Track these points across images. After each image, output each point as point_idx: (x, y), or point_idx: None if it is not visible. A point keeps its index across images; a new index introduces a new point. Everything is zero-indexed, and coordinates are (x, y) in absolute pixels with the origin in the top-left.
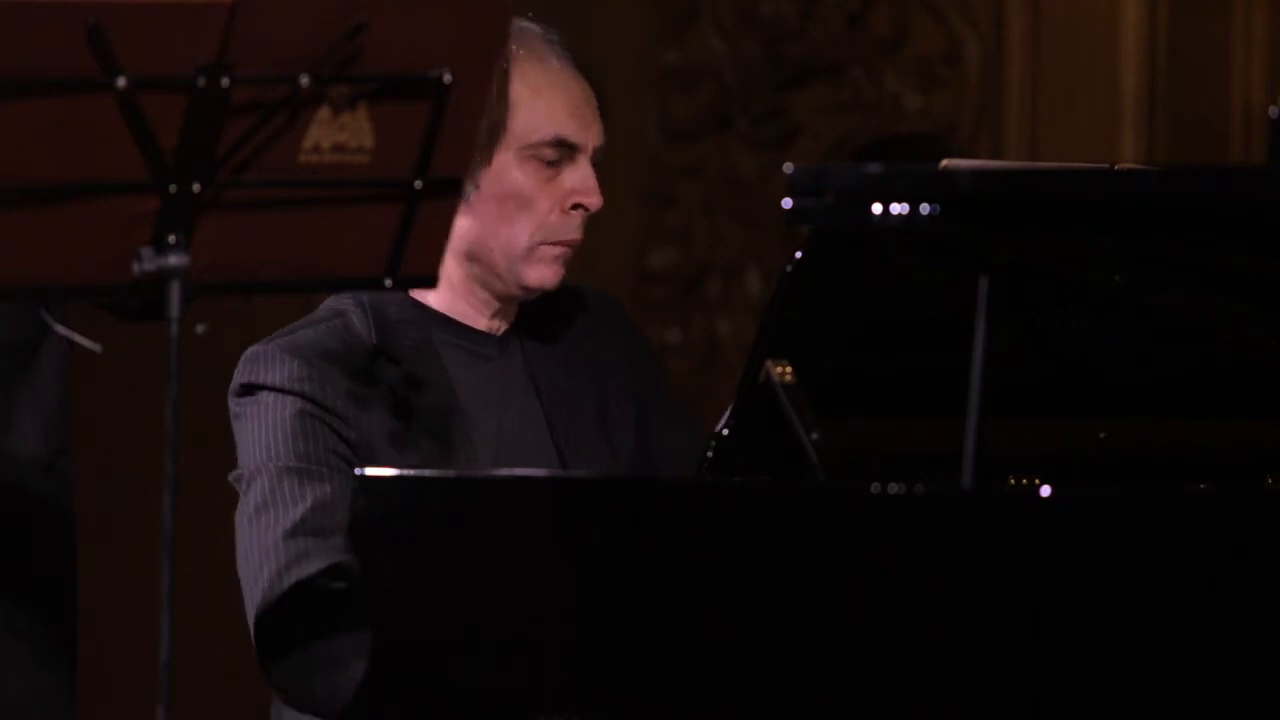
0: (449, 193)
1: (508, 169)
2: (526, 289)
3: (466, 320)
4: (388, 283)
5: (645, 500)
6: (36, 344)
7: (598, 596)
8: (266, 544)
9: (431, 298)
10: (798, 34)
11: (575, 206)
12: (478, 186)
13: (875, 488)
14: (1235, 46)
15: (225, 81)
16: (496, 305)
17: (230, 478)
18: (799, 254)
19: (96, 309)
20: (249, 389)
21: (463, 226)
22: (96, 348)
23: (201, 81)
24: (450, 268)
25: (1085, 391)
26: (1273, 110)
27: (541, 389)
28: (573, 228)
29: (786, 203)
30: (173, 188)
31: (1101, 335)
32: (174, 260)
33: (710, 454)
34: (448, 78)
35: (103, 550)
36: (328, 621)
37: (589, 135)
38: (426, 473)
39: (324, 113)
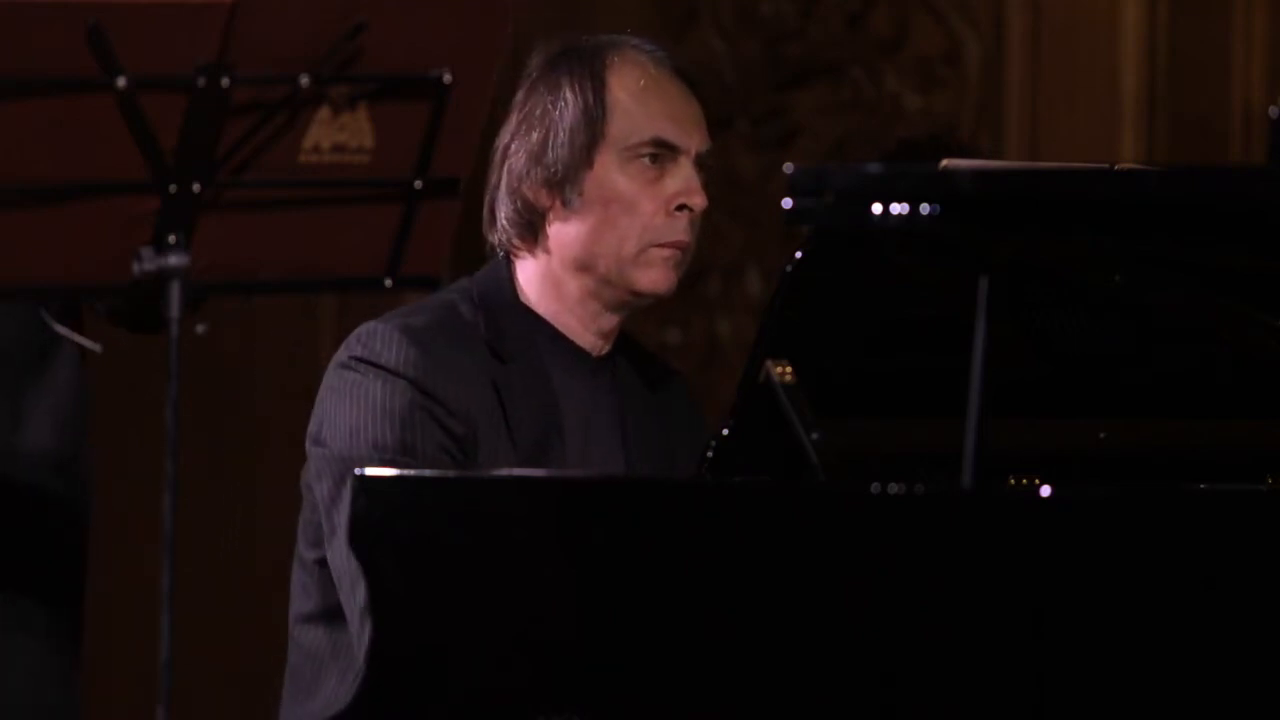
0: (449, 193)
1: (610, 173)
2: (638, 293)
3: (570, 334)
4: (388, 283)
5: (645, 500)
6: (50, 343)
7: (598, 596)
8: None
9: (541, 305)
10: (798, 34)
11: (680, 208)
12: (581, 193)
13: (875, 488)
14: (1235, 46)
15: (225, 81)
16: (607, 321)
17: (311, 445)
18: (799, 254)
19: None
20: (359, 363)
21: (570, 234)
22: (96, 348)
23: (201, 81)
24: (563, 279)
25: (1085, 391)
26: (1273, 110)
27: (627, 420)
28: (680, 229)
29: (786, 203)
30: (173, 188)
31: (1101, 335)
32: (174, 260)
33: (710, 454)
34: (448, 78)
35: (103, 550)
36: None
37: (690, 138)
38: (426, 473)
39: (324, 113)
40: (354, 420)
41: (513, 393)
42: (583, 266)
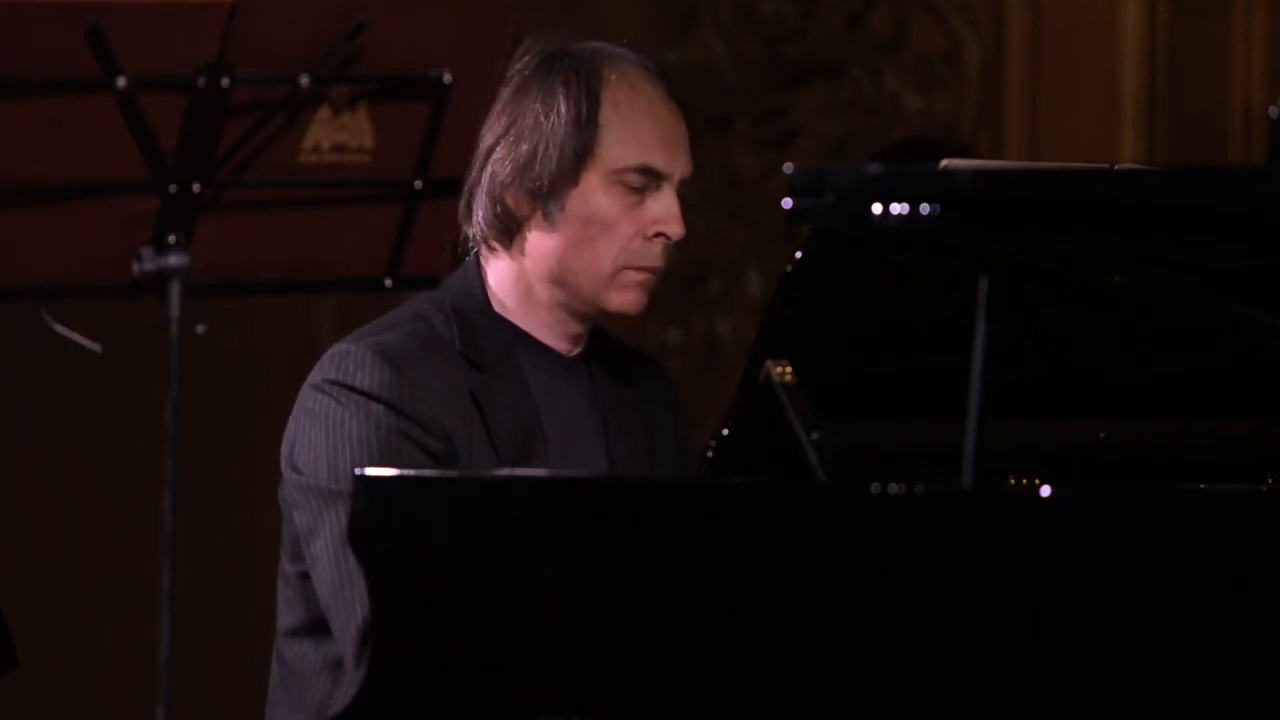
0: (449, 193)
1: (593, 192)
2: (608, 313)
3: (541, 337)
4: (388, 283)
5: (645, 500)
6: None
7: (598, 596)
8: (362, 591)
9: (511, 309)
10: (798, 34)
11: (658, 235)
12: (563, 208)
13: (875, 488)
14: (1235, 46)
15: (225, 81)
16: (575, 328)
17: (287, 471)
18: (799, 254)
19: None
20: (334, 387)
21: (547, 247)
22: (96, 348)
23: (201, 81)
24: (535, 286)
25: (1085, 391)
26: (1273, 110)
27: (606, 415)
28: (654, 255)
29: (786, 203)
30: (173, 188)
31: (1101, 335)
32: (174, 260)
33: (710, 454)
34: (448, 78)
35: (103, 550)
36: None
37: (676, 165)
38: (426, 473)
39: (324, 113)
40: (330, 450)
41: (492, 401)
42: (556, 279)
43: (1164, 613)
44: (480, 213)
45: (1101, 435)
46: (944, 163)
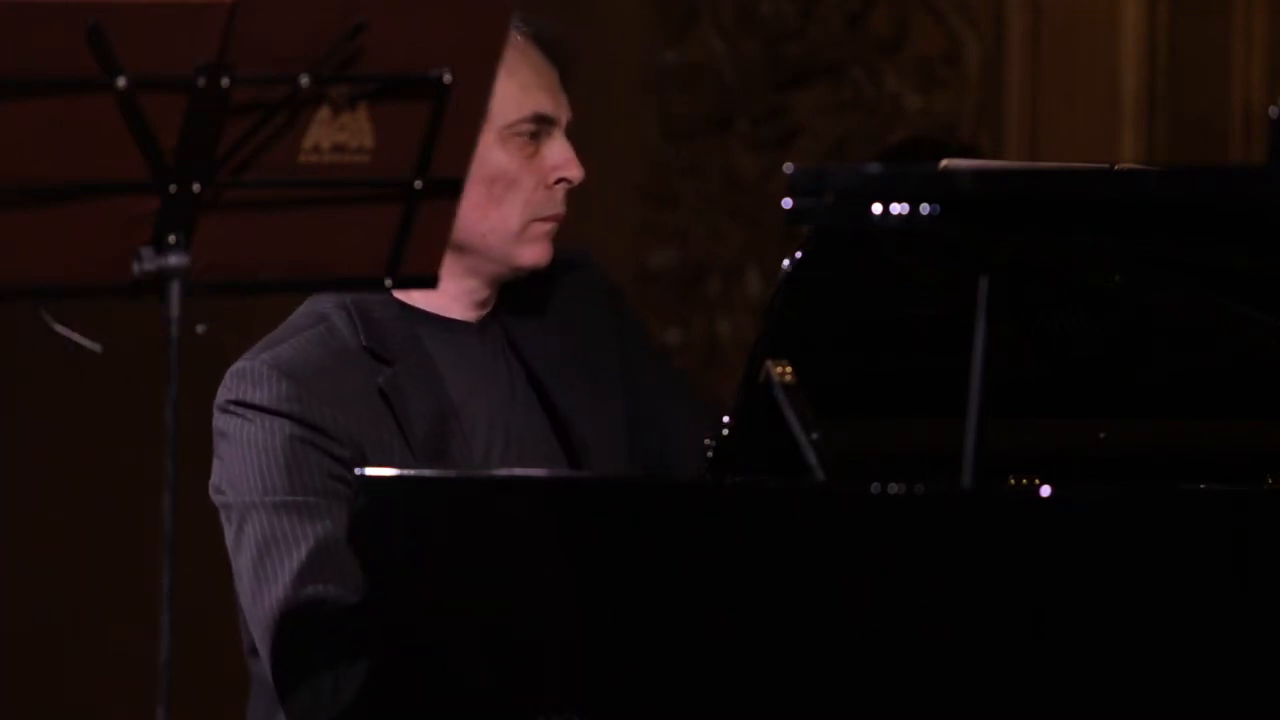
0: (449, 193)
1: (490, 151)
2: (519, 268)
3: (446, 313)
4: (388, 283)
5: (645, 500)
6: None
7: (598, 596)
8: (277, 593)
9: (413, 296)
10: (798, 34)
11: (559, 180)
12: None
13: (875, 488)
14: (1235, 46)
15: (225, 81)
16: (483, 293)
17: (214, 494)
18: (799, 254)
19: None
20: (236, 406)
21: None
22: (96, 347)
23: (201, 81)
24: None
25: (1085, 391)
26: (1273, 110)
27: (529, 364)
28: (557, 202)
29: (786, 203)
30: (173, 188)
31: (1101, 335)
32: (174, 260)
33: (710, 454)
34: (448, 78)
35: (103, 550)
36: (345, 672)
37: (561, 108)
38: (426, 472)
39: (324, 113)
40: (241, 466)
41: (402, 394)
42: (462, 247)
43: (1164, 613)
44: None
45: (1101, 435)
46: (944, 163)
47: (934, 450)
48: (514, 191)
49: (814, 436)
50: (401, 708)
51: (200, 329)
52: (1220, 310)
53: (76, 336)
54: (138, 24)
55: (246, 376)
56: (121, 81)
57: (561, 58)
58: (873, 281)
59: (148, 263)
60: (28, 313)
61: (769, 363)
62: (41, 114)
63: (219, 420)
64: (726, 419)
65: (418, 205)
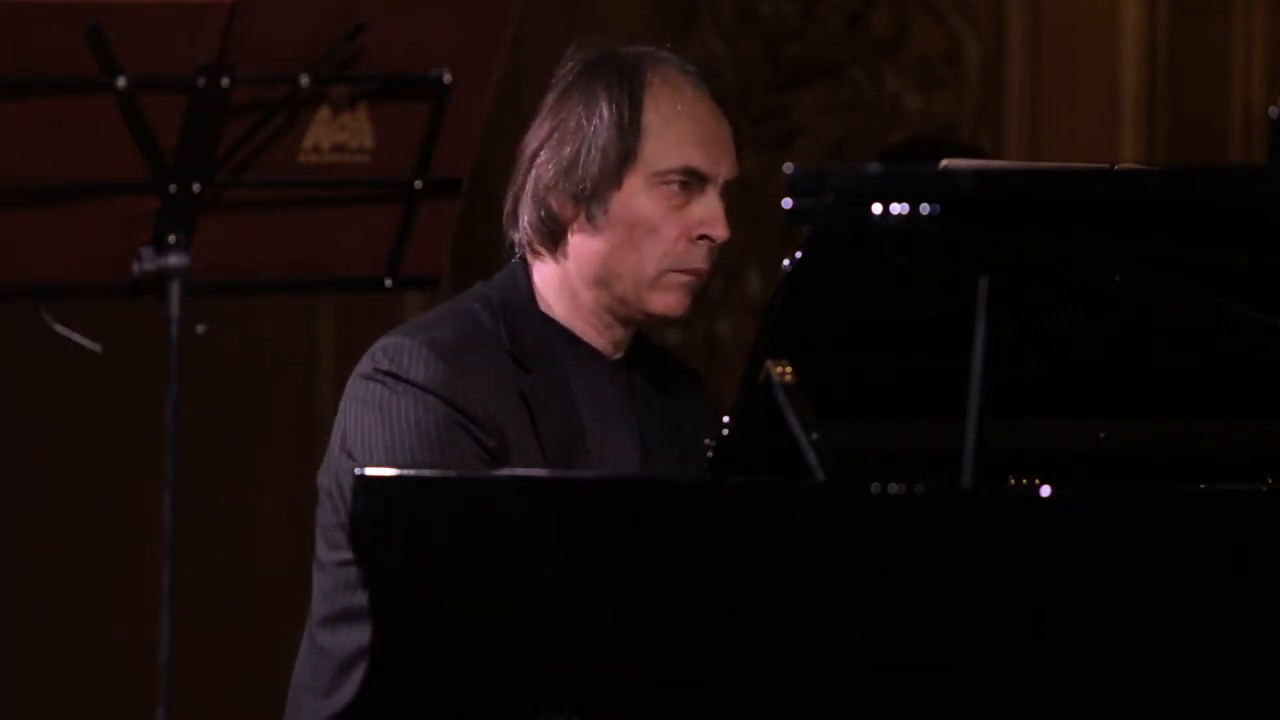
0: (449, 193)
1: (637, 195)
2: (650, 315)
3: (586, 338)
4: (388, 283)
5: (645, 500)
6: None
7: (598, 596)
8: None
9: (558, 310)
10: (798, 34)
11: (702, 237)
12: (606, 211)
13: (875, 488)
14: (1235, 46)
15: (225, 81)
16: (620, 331)
17: (340, 455)
18: (799, 254)
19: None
20: (388, 378)
21: (591, 249)
22: (96, 347)
23: (201, 81)
24: (579, 289)
25: (1085, 391)
26: (1273, 110)
27: (643, 420)
28: (699, 257)
29: (786, 203)
30: (173, 188)
31: (1101, 335)
32: (174, 260)
33: (710, 454)
34: (448, 78)
35: (103, 550)
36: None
37: (720, 167)
38: (426, 472)
39: (324, 113)
40: (387, 439)
41: (539, 401)
42: (600, 282)
43: (1164, 613)
44: (525, 217)
45: (1101, 435)
46: (944, 163)
47: (934, 450)
48: (653, 239)
49: (814, 436)
50: (402, 707)
51: (200, 329)
52: (1220, 310)
53: (76, 336)
54: (138, 24)
55: (404, 351)
56: (121, 81)
57: (731, 117)
58: (873, 281)
59: (148, 263)
60: (28, 313)
61: (769, 363)
62: (41, 114)
63: (362, 387)
64: (726, 419)
65: (418, 205)
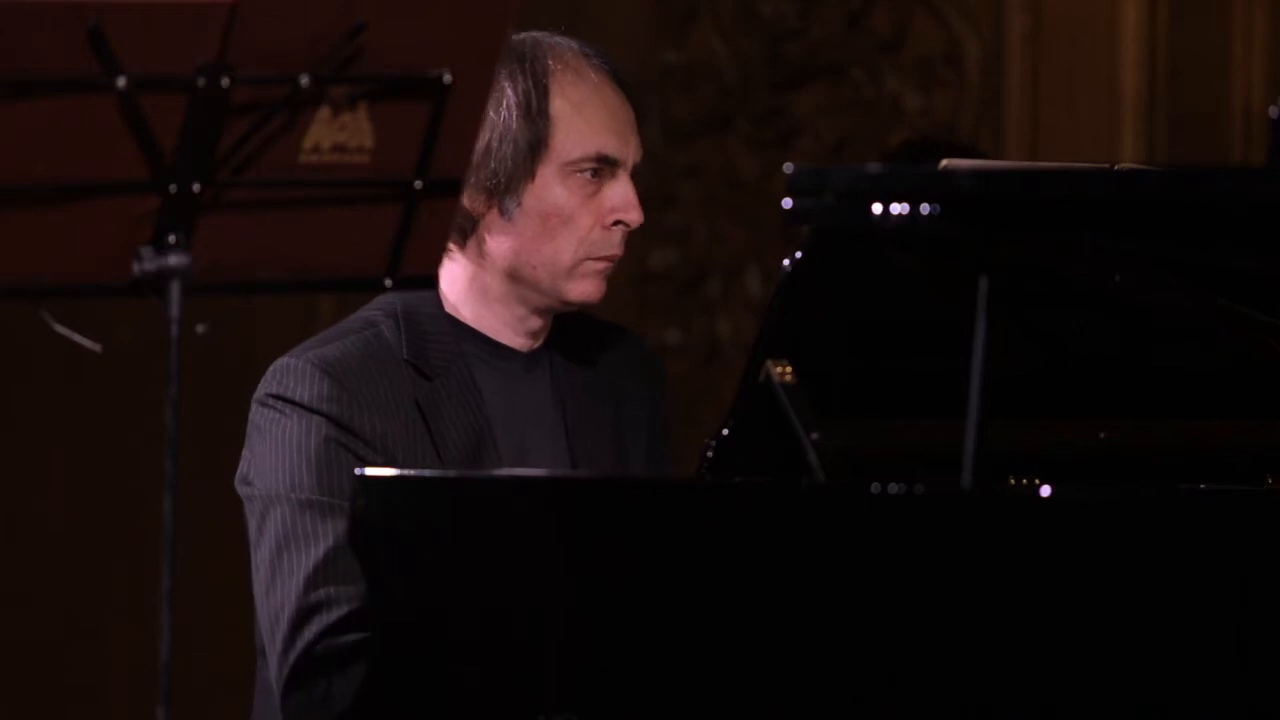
0: (449, 193)
1: (550, 186)
2: (568, 303)
3: (499, 337)
4: (388, 283)
5: (645, 500)
6: None
7: (597, 596)
8: (289, 590)
9: (465, 311)
10: (798, 34)
11: (616, 223)
12: (520, 203)
13: (875, 488)
14: (1235, 46)
15: (225, 81)
16: (534, 322)
17: (239, 485)
18: (799, 254)
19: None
20: (276, 400)
21: (504, 244)
22: (96, 347)
23: (201, 81)
24: (490, 284)
25: (1085, 391)
26: (1273, 110)
27: (566, 411)
28: (614, 243)
29: (786, 203)
30: (173, 188)
31: (1102, 335)
32: (174, 260)
33: (710, 454)
34: (448, 78)
35: (103, 550)
36: (337, 677)
37: (629, 150)
38: (426, 473)
39: (324, 113)
40: (273, 458)
41: (438, 410)
42: (513, 274)
43: (1164, 613)
44: None
45: (1101, 435)
46: (944, 163)
47: (934, 450)
48: (569, 228)
49: (814, 436)
50: (402, 707)
51: (200, 329)
52: (1220, 310)
53: (76, 336)
54: (138, 24)
55: (290, 372)
56: (121, 81)
57: (633, 98)
58: (872, 281)
59: (148, 263)
60: (28, 313)
61: (769, 363)
62: (41, 114)
63: (255, 413)
64: (726, 419)
65: (418, 205)
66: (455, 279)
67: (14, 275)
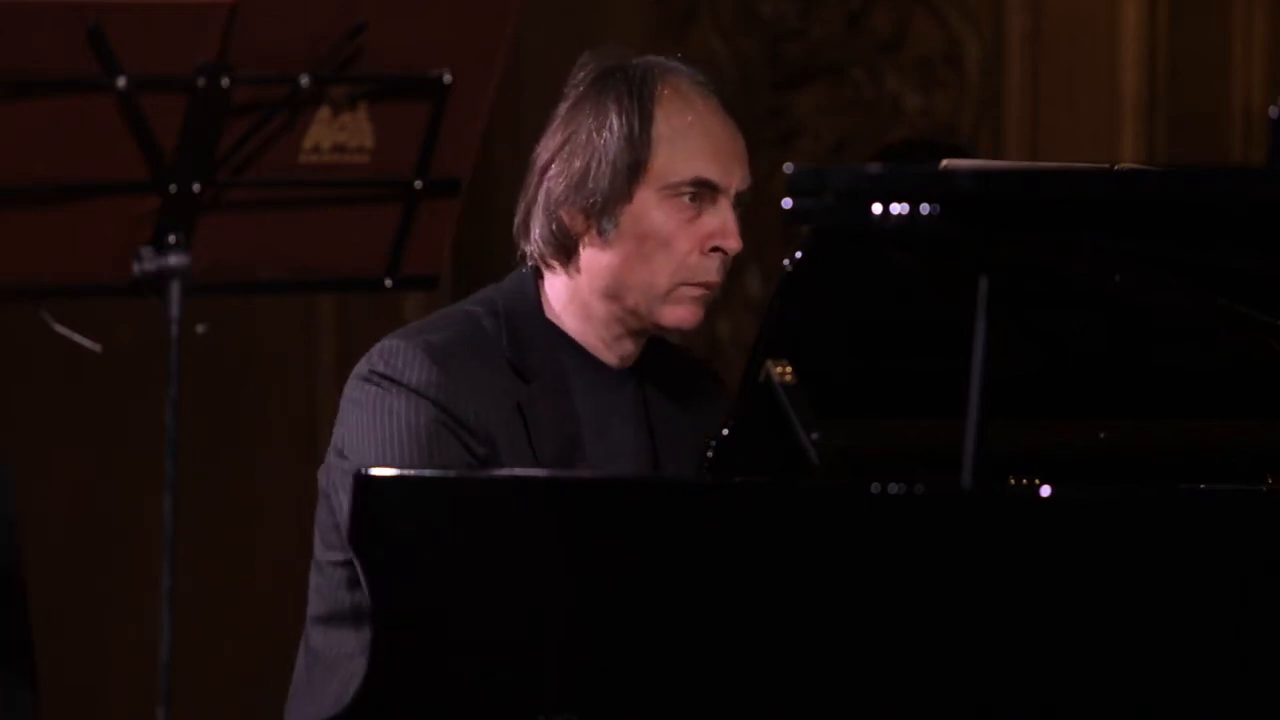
0: (449, 192)
1: (648, 208)
2: (662, 328)
3: (593, 350)
4: (388, 283)
5: (645, 500)
6: None
7: (598, 596)
8: None
9: (565, 321)
10: (798, 34)
11: (714, 249)
12: (617, 224)
13: (875, 488)
14: (1235, 46)
15: (225, 81)
16: (628, 345)
17: (333, 456)
18: (799, 254)
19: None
20: (381, 379)
21: (602, 263)
22: (96, 347)
23: (201, 81)
24: (590, 302)
25: (1085, 391)
26: (1273, 110)
27: (655, 429)
28: (711, 270)
29: (786, 203)
30: (173, 188)
31: (1102, 335)
32: (174, 260)
33: (710, 454)
34: (448, 78)
35: (103, 550)
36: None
37: (731, 178)
38: (427, 472)
39: (324, 113)
40: (377, 437)
41: (536, 412)
42: (611, 295)
43: (1164, 613)
44: (536, 230)
45: (1101, 435)
46: (944, 163)
47: (934, 450)
48: (665, 251)
49: (814, 436)
50: (402, 707)
51: (200, 329)
52: (1220, 310)
53: (76, 336)
54: (138, 24)
55: (399, 354)
56: (121, 81)
57: (743, 127)
58: (872, 281)
59: (148, 263)
60: (28, 313)
61: (769, 363)
62: (41, 114)
63: (356, 388)
64: (726, 419)
65: (418, 205)
66: (558, 291)
67: (14, 275)
